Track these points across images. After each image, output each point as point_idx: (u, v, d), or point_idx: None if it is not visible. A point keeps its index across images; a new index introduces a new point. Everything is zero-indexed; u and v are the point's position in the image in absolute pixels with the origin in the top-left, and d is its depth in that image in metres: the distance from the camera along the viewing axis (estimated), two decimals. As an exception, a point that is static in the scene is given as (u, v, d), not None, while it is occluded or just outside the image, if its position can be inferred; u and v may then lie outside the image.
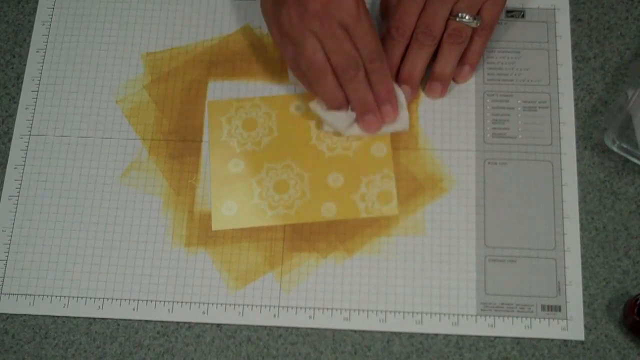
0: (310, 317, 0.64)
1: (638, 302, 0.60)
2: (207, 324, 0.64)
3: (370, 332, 0.63)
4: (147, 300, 0.65)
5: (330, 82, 0.63)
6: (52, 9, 0.74)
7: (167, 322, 0.64)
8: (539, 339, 0.62)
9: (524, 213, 0.65)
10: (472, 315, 0.63)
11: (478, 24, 0.65)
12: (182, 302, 0.65)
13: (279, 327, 0.64)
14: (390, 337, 0.63)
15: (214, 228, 0.66)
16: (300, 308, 0.64)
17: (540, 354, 0.62)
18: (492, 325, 0.63)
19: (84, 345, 0.64)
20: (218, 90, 0.70)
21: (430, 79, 0.68)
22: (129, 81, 0.71)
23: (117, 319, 0.65)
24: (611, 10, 0.72)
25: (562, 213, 0.65)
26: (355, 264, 0.65)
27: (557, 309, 0.63)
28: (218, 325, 0.64)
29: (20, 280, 0.66)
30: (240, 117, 0.69)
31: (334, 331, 0.63)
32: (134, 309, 0.65)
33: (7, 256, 0.67)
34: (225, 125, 0.69)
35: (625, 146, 0.65)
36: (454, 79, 0.69)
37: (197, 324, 0.64)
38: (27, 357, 0.64)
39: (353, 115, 0.65)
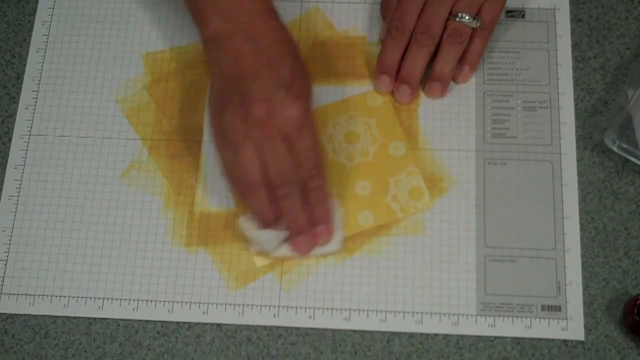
0: (310, 317, 0.64)
1: (638, 302, 0.60)
2: (207, 324, 0.64)
3: (370, 332, 0.63)
4: (147, 300, 0.65)
5: (263, 197, 0.60)
6: (52, 9, 0.74)
7: (167, 322, 0.64)
8: (539, 339, 0.62)
9: (524, 213, 0.65)
10: (472, 315, 0.63)
11: (478, 24, 0.65)
12: (182, 302, 0.65)
13: (279, 327, 0.64)
14: (390, 337, 0.63)
15: (258, 265, 0.64)
16: (300, 308, 0.64)
17: (540, 354, 0.62)
18: (492, 325, 0.63)
19: (84, 345, 0.64)
20: (218, 90, 0.70)
21: (430, 79, 0.68)
22: (129, 81, 0.71)
23: (117, 319, 0.65)
24: (611, 10, 0.72)
25: (562, 213, 0.65)
26: (355, 264, 0.65)
27: (557, 309, 0.63)
28: (218, 325, 0.64)
29: (20, 280, 0.66)
30: None
31: (334, 331, 0.63)
32: (134, 309, 0.65)
33: (7, 256, 0.67)
34: None
35: (625, 146, 0.65)
36: (453, 79, 0.69)
37: (197, 324, 0.64)
38: (27, 357, 0.64)
39: (282, 235, 0.62)
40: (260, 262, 0.65)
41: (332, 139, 0.68)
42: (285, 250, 0.64)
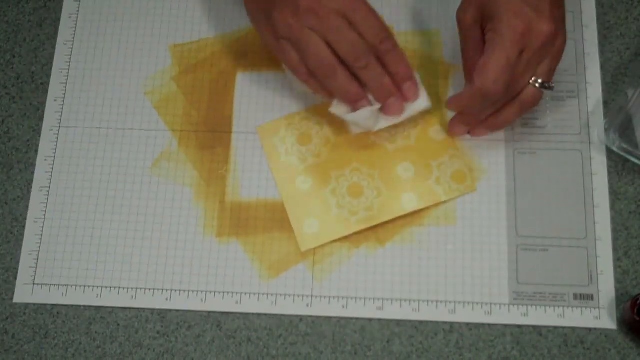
0: (343, 306, 0.64)
1: (638, 302, 0.60)
2: (209, 323, 0.64)
3: (370, 332, 0.63)
4: (180, 290, 0.65)
5: (342, 76, 0.60)
6: (78, 2, 0.74)
7: (168, 322, 0.64)
8: (539, 339, 0.63)
9: (555, 202, 0.66)
10: (505, 305, 0.63)
11: (553, 89, 0.61)
12: (215, 292, 0.65)
13: (278, 327, 0.64)
14: (390, 337, 0.63)
15: (303, 249, 0.65)
16: (334, 297, 0.64)
17: (540, 354, 0.62)
18: (525, 315, 0.63)
19: (84, 345, 0.64)
20: (247, 81, 0.71)
21: (482, 124, 0.65)
22: (157, 73, 0.72)
23: (146, 309, 0.65)
24: (611, 10, 0.72)
25: (592, 202, 0.66)
26: (388, 254, 0.65)
27: (590, 297, 0.63)
28: (218, 325, 0.64)
29: (52, 271, 0.66)
30: (292, 134, 0.68)
31: (334, 331, 0.63)
32: (167, 299, 0.65)
33: (39, 247, 0.67)
34: (281, 145, 0.68)
35: (625, 146, 0.65)
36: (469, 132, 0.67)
37: (196, 324, 0.64)
38: (27, 357, 0.64)
39: (375, 109, 0.62)
40: (305, 246, 0.65)
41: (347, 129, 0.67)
42: (384, 122, 0.63)
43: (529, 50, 0.58)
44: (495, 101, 0.61)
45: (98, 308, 0.65)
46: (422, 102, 0.64)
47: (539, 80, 0.61)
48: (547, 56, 0.60)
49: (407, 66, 0.62)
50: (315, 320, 0.64)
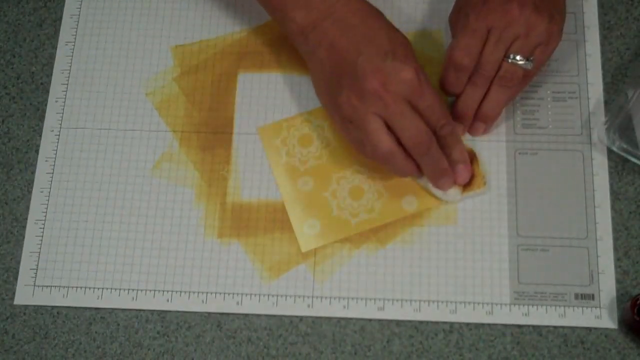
0: (344, 307, 0.64)
1: (638, 302, 0.60)
2: (208, 324, 0.64)
3: (370, 332, 0.63)
4: (180, 292, 0.65)
5: (400, 161, 0.61)
6: (79, 2, 0.74)
7: (168, 322, 0.64)
8: (539, 339, 0.63)
9: (556, 202, 0.66)
10: (506, 305, 0.63)
11: (530, 67, 0.62)
12: (215, 293, 0.65)
13: (278, 327, 0.64)
14: (390, 337, 0.63)
15: (303, 250, 0.65)
16: (335, 298, 0.64)
17: (540, 354, 0.62)
18: (526, 314, 0.63)
19: (84, 345, 0.64)
20: (248, 82, 0.71)
21: (475, 118, 0.66)
22: (158, 74, 0.72)
23: (148, 310, 0.65)
24: (611, 10, 0.72)
25: (593, 202, 0.66)
26: (389, 254, 0.65)
27: (591, 297, 0.63)
28: (218, 325, 0.64)
29: (53, 272, 0.66)
30: (293, 135, 0.68)
31: (334, 331, 0.63)
32: (167, 300, 0.65)
33: (40, 248, 0.67)
34: (282, 147, 0.68)
35: (625, 146, 0.65)
36: (469, 132, 0.68)
37: (196, 324, 0.64)
38: (27, 357, 0.64)
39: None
40: (306, 247, 0.65)
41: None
42: (454, 194, 0.65)
43: (497, 28, 0.61)
44: (476, 81, 0.63)
45: (98, 308, 0.65)
46: (479, 187, 0.65)
47: (515, 56, 0.62)
48: (520, 35, 0.61)
49: (462, 150, 0.64)
50: (315, 320, 0.64)
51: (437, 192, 0.65)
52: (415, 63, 0.60)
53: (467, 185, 0.65)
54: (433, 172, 0.63)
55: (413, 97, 0.59)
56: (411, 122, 0.59)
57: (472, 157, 0.66)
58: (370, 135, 0.59)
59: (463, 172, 0.64)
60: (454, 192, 0.65)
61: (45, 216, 0.68)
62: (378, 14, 0.62)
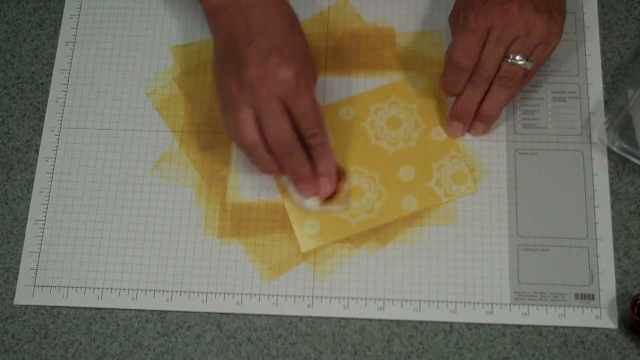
0: (344, 307, 0.64)
1: (638, 302, 0.60)
2: (208, 323, 0.64)
3: (370, 332, 0.63)
4: (180, 292, 0.65)
5: (260, 156, 0.62)
6: (79, 2, 0.74)
7: (168, 322, 0.64)
8: (539, 339, 0.63)
9: (556, 202, 0.66)
10: (506, 305, 0.63)
11: (530, 66, 0.62)
12: (215, 293, 0.65)
13: (278, 327, 0.64)
14: (390, 337, 0.63)
15: (303, 250, 0.65)
16: (335, 298, 0.64)
17: (540, 354, 0.62)
18: (526, 314, 0.63)
19: (84, 345, 0.64)
20: (248, 82, 0.71)
21: (475, 118, 0.67)
22: (158, 74, 0.72)
23: (148, 310, 0.65)
24: (611, 10, 0.72)
25: (593, 202, 0.66)
26: (389, 254, 0.65)
27: (591, 297, 0.63)
28: (218, 324, 0.64)
29: (53, 272, 0.66)
30: None
31: (334, 331, 0.63)
32: (167, 300, 0.65)
33: (40, 248, 0.67)
34: None
35: (625, 146, 0.65)
36: (469, 131, 0.68)
37: (196, 324, 0.64)
38: (27, 357, 0.64)
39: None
40: (306, 247, 0.65)
41: (374, 124, 0.68)
42: (312, 203, 0.65)
43: (497, 28, 0.61)
44: (476, 81, 0.63)
45: (98, 308, 0.65)
46: (339, 203, 0.66)
47: (515, 56, 0.62)
48: (519, 34, 0.61)
49: (330, 164, 0.64)
50: (315, 320, 0.64)
51: (296, 196, 0.65)
52: (299, 66, 0.60)
53: (328, 199, 0.65)
54: (293, 175, 0.64)
55: (288, 99, 0.60)
56: (277, 121, 0.60)
57: (342, 174, 0.66)
58: (238, 123, 0.60)
59: (325, 185, 0.64)
60: (310, 201, 0.65)
61: (45, 216, 0.68)
62: (284, 10, 0.63)
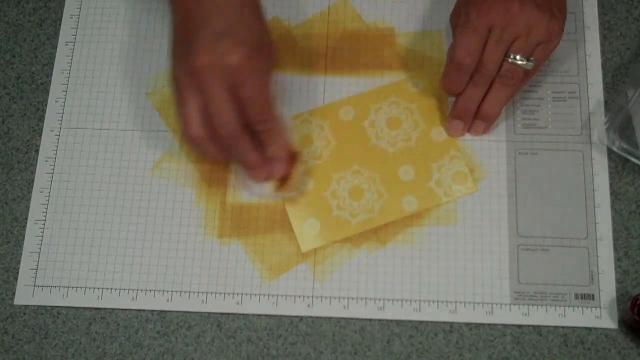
0: (344, 307, 0.64)
1: (638, 302, 0.60)
2: (208, 323, 0.64)
3: (370, 332, 0.63)
4: (180, 292, 0.65)
5: (207, 149, 0.60)
6: (79, 2, 0.74)
7: (168, 322, 0.64)
8: (539, 339, 0.63)
9: (556, 202, 0.66)
10: (506, 304, 0.63)
11: (531, 66, 0.62)
12: (215, 293, 0.65)
13: (279, 327, 0.64)
14: (390, 337, 0.63)
15: (303, 250, 0.65)
16: (335, 298, 0.64)
17: (540, 354, 0.62)
18: (526, 314, 0.63)
19: (84, 345, 0.64)
20: (248, 82, 0.70)
21: (475, 117, 0.67)
22: (158, 74, 0.72)
23: (152, 310, 0.65)
24: (611, 10, 0.72)
25: (593, 202, 0.66)
26: (389, 254, 0.65)
27: (591, 297, 0.63)
28: (218, 324, 0.64)
29: (53, 273, 0.66)
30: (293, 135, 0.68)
31: (334, 331, 0.63)
32: (167, 300, 0.65)
33: (40, 248, 0.67)
34: None
35: (625, 146, 0.65)
36: (469, 131, 0.68)
37: (196, 324, 0.64)
38: (27, 357, 0.64)
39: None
40: (306, 247, 0.65)
41: (374, 124, 0.68)
42: (264, 190, 0.65)
43: (498, 26, 0.61)
44: (478, 80, 0.63)
45: (98, 308, 0.65)
46: (290, 188, 0.65)
47: (515, 56, 0.62)
48: (521, 34, 0.61)
49: (281, 147, 0.62)
50: (315, 320, 0.64)
51: (248, 183, 0.64)
52: (250, 50, 0.57)
53: (280, 186, 0.65)
54: (241, 163, 0.62)
55: (235, 83, 0.57)
56: (221, 111, 0.57)
57: (295, 158, 0.65)
58: (183, 118, 0.59)
59: (271, 170, 0.63)
60: (260, 188, 0.64)
61: (45, 216, 0.68)
62: None
